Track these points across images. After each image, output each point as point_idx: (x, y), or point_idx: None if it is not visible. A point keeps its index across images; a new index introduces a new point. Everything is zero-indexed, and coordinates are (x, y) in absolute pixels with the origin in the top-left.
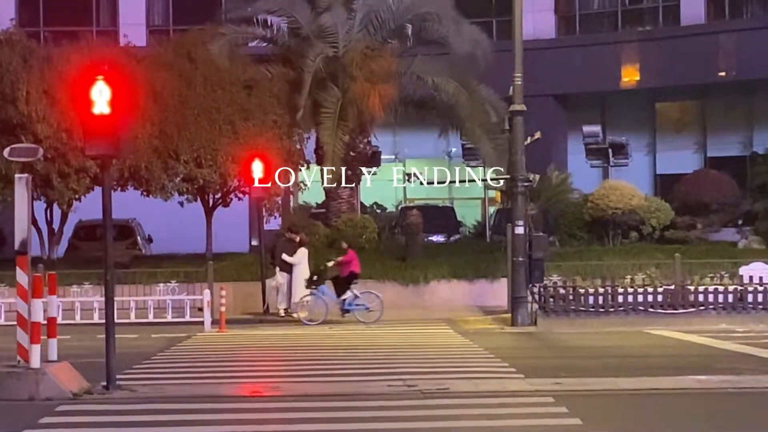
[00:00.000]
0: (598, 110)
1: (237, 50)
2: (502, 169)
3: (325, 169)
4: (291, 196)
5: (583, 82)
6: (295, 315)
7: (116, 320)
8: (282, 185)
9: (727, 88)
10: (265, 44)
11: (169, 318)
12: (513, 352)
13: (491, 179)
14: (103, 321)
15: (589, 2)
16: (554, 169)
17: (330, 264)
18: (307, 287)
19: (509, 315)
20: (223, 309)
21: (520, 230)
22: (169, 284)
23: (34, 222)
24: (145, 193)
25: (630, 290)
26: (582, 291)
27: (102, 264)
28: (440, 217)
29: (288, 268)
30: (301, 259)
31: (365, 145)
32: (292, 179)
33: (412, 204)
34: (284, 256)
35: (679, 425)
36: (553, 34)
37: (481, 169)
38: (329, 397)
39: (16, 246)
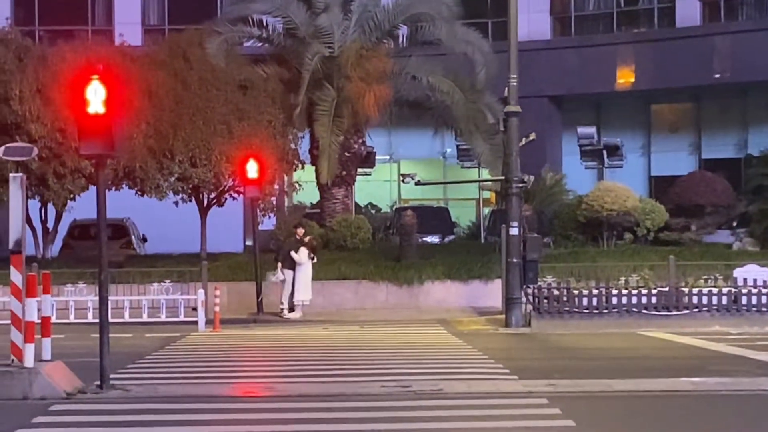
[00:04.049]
0: (593, 112)
1: (232, 50)
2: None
3: (323, 165)
4: (285, 196)
5: (578, 83)
6: (290, 315)
7: (110, 320)
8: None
9: (722, 90)
10: (260, 44)
11: (163, 318)
12: (507, 353)
13: (486, 180)
14: (97, 320)
15: (585, 4)
16: (549, 170)
17: None
18: None
19: (503, 316)
20: (217, 309)
21: (514, 231)
22: (163, 284)
23: (28, 221)
24: (139, 193)
25: (624, 292)
26: (576, 292)
27: (96, 263)
28: (435, 217)
29: (292, 265)
30: (302, 257)
31: (360, 145)
32: (286, 178)
33: (406, 205)
34: (292, 253)
35: (672, 427)
36: (549, 36)
37: (476, 169)
38: (323, 398)
39: (11, 245)
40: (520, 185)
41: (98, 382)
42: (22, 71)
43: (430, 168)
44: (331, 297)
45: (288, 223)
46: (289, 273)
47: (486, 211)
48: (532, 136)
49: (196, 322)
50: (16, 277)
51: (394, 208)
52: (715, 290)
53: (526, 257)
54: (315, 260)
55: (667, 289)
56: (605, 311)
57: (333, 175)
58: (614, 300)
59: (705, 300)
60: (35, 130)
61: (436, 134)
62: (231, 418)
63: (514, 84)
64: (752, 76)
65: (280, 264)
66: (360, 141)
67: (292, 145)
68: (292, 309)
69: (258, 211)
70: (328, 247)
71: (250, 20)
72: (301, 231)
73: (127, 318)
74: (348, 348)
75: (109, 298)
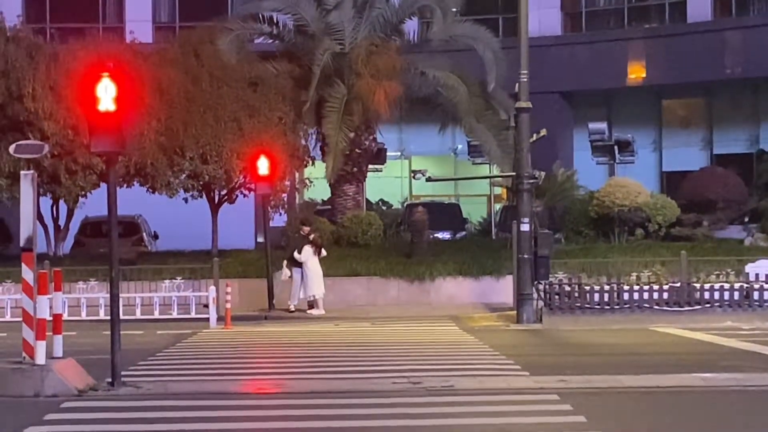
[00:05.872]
0: (604, 107)
1: (243, 47)
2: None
3: (328, 163)
4: (296, 193)
5: (589, 79)
6: (312, 312)
7: (122, 317)
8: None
9: (733, 85)
10: (270, 41)
11: (174, 315)
12: (518, 350)
13: (497, 176)
14: (109, 317)
15: None
16: (560, 166)
17: None
18: None
19: (514, 312)
20: (228, 306)
21: (525, 227)
22: (174, 281)
23: (40, 218)
24: (150, 190)
25: (635, 287)
26: (587, 288)
27: (108, 260)
28: (446, 214)
29: (298, 263)
30: (305, 256)
31: (371, 141)
32: (297, 175)
33: (417, 201)
34: (295, 254)
35: (683, 423)
36: (559, 31)
37: (487, 165)
38: (333, 394)
39: (22, 242)
40: (531, 181)
41: (109, 379)
42: (34, 69)
43: (441, 164)
44: (342, 293)
45: (298, 220)
46: (297, 270)
47: (497, 207)
48: (543, 132)
49: (207, 319)
50: (27, 274)
51: (405, 205)
52: (726, 286)
53: (538, 253)
54: (324, 254)
55: (678, 284)
56: (617, 307)
57: (337, 173)
58: (626, 296)
59: (717, 295)
60: (48, 127)
61: (443, 130)
62: (242, 415)
63: (525, 80)
64: (763, 71)
65: (285, 261)
66: (371, 137)
67: (303, 142)
68: (311, 307)
69: (269, 207)
70: (339, 244)
71: (261, 17)
72: (306, 229)
73: (138, 315)
74: (358, 344)
75: (121, 295)
